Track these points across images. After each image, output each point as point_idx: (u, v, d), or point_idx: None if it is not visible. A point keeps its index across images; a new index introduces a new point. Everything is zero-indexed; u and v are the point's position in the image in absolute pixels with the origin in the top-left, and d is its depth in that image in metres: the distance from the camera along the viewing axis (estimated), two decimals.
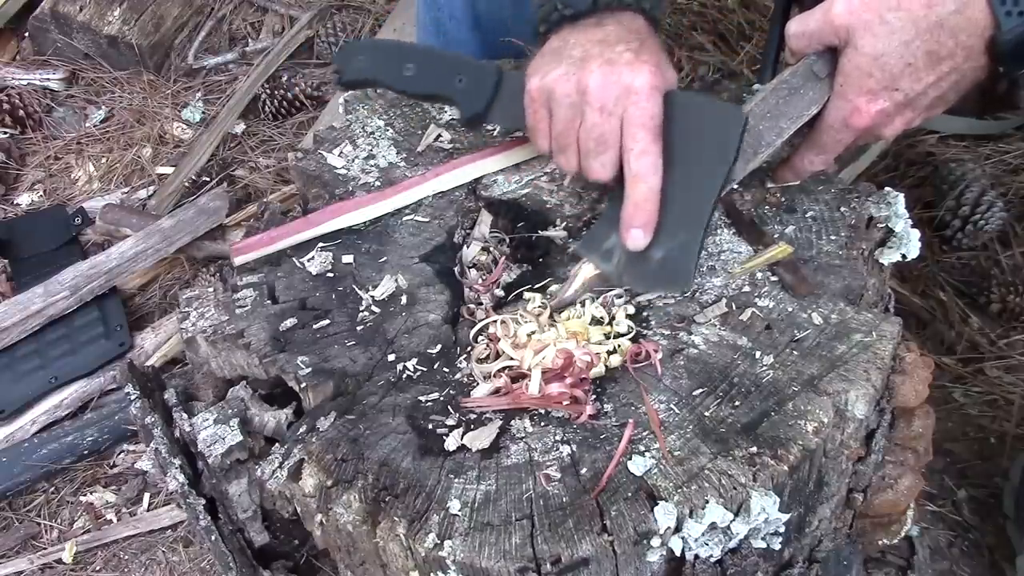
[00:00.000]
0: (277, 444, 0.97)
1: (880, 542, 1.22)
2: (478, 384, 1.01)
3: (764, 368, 0.98)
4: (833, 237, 1.11)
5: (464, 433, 0.95)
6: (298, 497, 0.95)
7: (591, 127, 1.05)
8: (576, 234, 1.18)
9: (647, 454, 0.90)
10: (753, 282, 1.07)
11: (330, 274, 1.13)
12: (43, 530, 1.81)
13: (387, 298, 1.10)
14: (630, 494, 0.88)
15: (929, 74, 0.97)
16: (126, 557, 1.76)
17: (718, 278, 1.08)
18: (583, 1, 1.07)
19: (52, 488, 1.86)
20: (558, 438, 0.94)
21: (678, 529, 0.86)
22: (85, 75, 2.66)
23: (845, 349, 0.99)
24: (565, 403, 0.97)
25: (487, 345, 1.06)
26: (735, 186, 1.12)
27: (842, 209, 1.14)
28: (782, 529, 0.93)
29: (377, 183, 1.24)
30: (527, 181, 1.23)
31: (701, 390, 0.97)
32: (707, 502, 0.86)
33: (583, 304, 1.08)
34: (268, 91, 2.52)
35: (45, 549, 1.77)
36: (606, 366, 1.02)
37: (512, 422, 0.97)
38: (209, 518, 1.07)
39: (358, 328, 1.07)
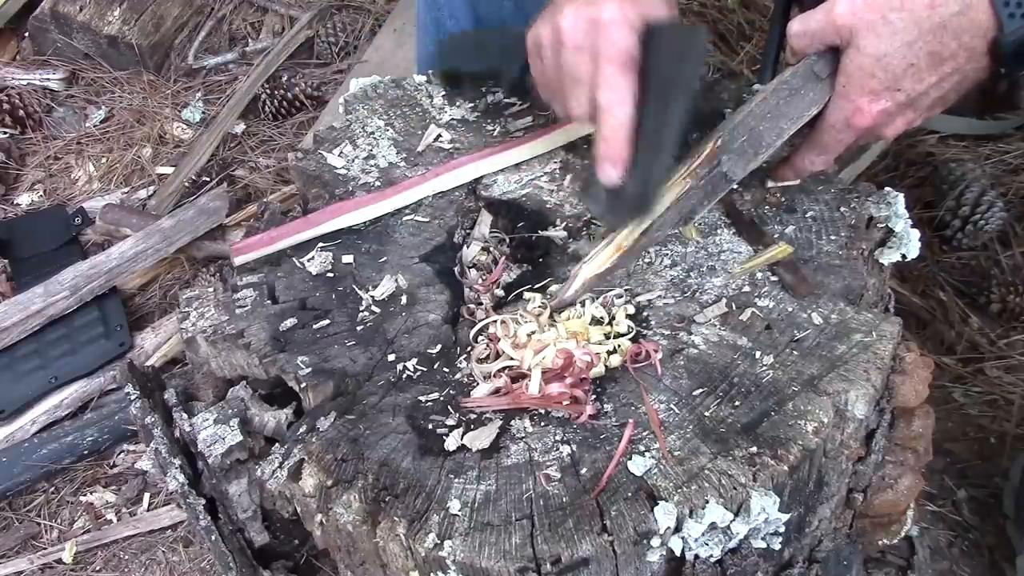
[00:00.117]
0: (277, 444, 0.97)
1: (880, 542, 1.22)
2: (478, 384, 1.01)
3: (764, 368, 0.98)
4: (833, 237, 1.11)
5: (464, 433, 0.95)
6: (298, 497, 0.95)
7: (566, 66, 1.06)
8: (576, 234, 1.18)
9: (647, 454, 0.90)
10: (753, 282, 1.07)
11: (330, 274, 1.13)
12: (43, 530, 1.81)
13: (387, 298, 1.10)
14: (630, 494, 0.88)
15: (931, 75, 0.97)
16: (126, 557, 1.76)
17: (718, 278, 1.08)
18: None
19: (52, 488, 1.86)
20: (558, 438, 0.94)
21: (678, 529, 0.86)
22: (85, 75, 2.66)
23: (845, 349, 0.99)
24: (565, 403, 0.97)
25: (487, 345, 1.06)
26: (735, 186, 1.12)
27: (842, 209, 1.14)
28: (782, 529, 0.93)
29: (377, 183, 1.24)
30: (527, 181, 1.24)
31: (701, 390, 0.97)
32: (707, 502, 0.86)
33: (583, 304, 1.08)
34: (268, 91, 2.52)
35: (45, 549, 1.77)
36: (606, 366, 1.02)
37: (512, 422, 0.97)
38: (209, 518, 1.07)
39: (358, 328, 1.07)
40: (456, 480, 0.91)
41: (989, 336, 1.91)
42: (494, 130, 1.30)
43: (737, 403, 0.95)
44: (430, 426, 0.96)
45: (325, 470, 0.92)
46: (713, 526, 0.87)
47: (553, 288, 1.12)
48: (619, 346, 1.03)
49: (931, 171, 2.17)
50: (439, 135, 1.29)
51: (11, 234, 2.24)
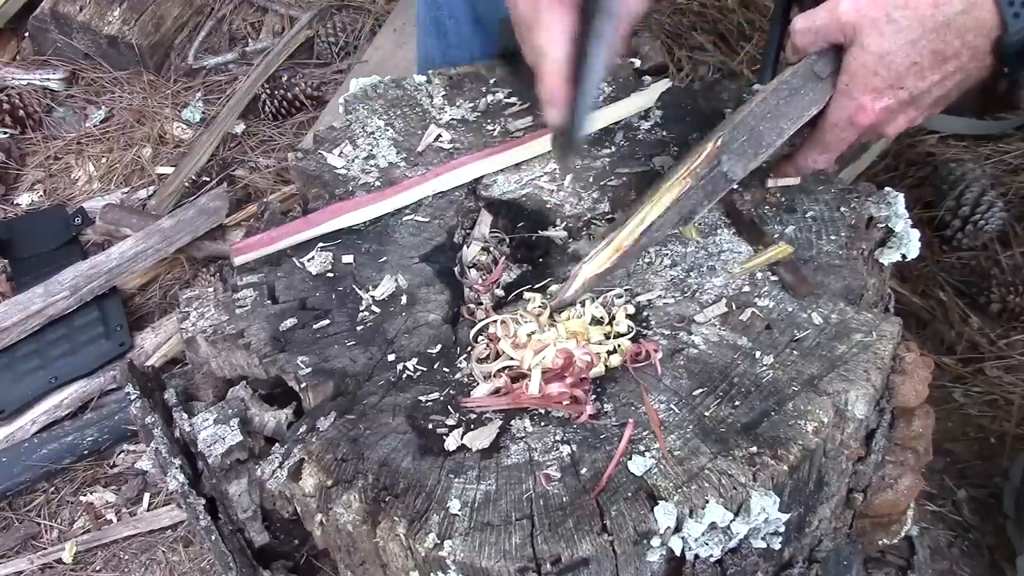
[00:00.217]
0: (277, 444, 0.97)
1: (880, 542, 1.22)
2: (478, 384, 1.01)
3: (764, 368, 0.98)
4: (833, 237, 1.11)
5: (464, 433, 0.95)
6: (298, 497, 0.95)
7: (517, 17, 1.07)
8: (576, 234, 1.18)
9: (647, 454, 0.90)
10: (753, 282, 1.07)
11: (330, 274, 1.13)
12: (43, 530, 1.81)
13: (387, 298, 1.10)
14: (630, 494, 0.88)
15: (934, 73, 0.97)
16: (126, 557, 1.76)
17: (718, 278, 1.08)
18: None
19: (52, 488, 1.86)
20: (558, 438, 0.94)
21: (678, 529, 0.86)
22: (85, 75, 2.66)
23: (845, 349, 0.99)
24: (565, 403, 0.97)
25: (487, 345, 1.06)
26: (735, 186, 1.12)
27: (842, 209, 1.14)
28: (782, 529, 0.93)
29: (377, 183, 1.24)
30: (527, 181, 1.24)
31: (701, 390, 0.97)
32: (707, 502, 0.86)
33: (583, 304, 1.08)
34: (268, 91, 2.52)
35: (45, 549, 1.77)
36: (606, 366, 1.02)
37: (512, 422, 0.97)
38: (209, 518, 1.07)
39: (358, 328, 1.07)
40: (456, 480, 0.91)
41: (989, 336, 1.91)
42: (494, 130, 1.30)
43: (737, 403, 0.95)
44: (430, 426, 0.96)
45: (325, 470, 0.92)
46: (713, 526, 0.87)
47: (553, 288, 1.12)
48: (619, 346, 1.03)
49: (931, 171, 2.17)
50: (439, 135, 1.29)
51: (11, 234, 2.24)
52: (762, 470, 0.89)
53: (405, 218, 1.20)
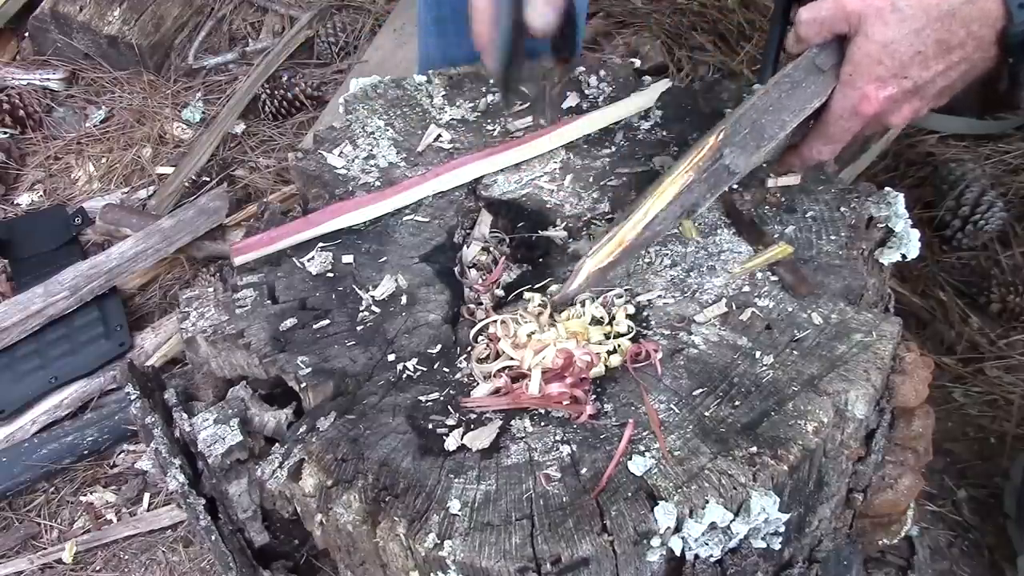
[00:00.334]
0: (277, 444, 0.97)
1: (880, 542, 1.22)
2: (478, 384, 1.01)
3: (764, 368, 0.98)
4: (833, 237, 1.11)
5: (464, 433, 0.95)
6: (298, 497, 0.95)
7: None
8: (576, 234, 1.18)
9: (647, 454, 0.90)
10: (753, 282, 1.07)
11: (330, 274, 1.13)
12: (43, 530, 1.81)
13: (387, 298, 1.10)
14: (630, 494, 0.88)
15: (938, 63, 0.97)
16: (126, 557, 1.76)
17: (718, 278, 1.08)
18: None
19: (52, 488, 1.86)
20: (558, 438, 0.94)
21: (678, 529, 0.86)
22: (85, 75, 2.66)
23: (845, 349, 0.99)
24: (565, 403, 0.97)
25: (487, 345, 1.06)
26: (736, 186, 1.12)
27: (842, 209, 1.14)
28: (782, 529, 0.93)
29: (377, 183, 1.24)
30: (527, 181, 1.24)
31: (701, 390, 0.97)
32: (707, 502, 0.86)
33: (583, 304, 1.08)
34: (268, 91, 2.52)
35: (45, 549, 1.77)
36: (606, 366, 1.02)
37: (512, 422, 0.97)
38: (209, 518, 1.07)
39: (358, 328, 1.07)
40: (456, 480, 0.91)
41: (989, 336, 1.91)
42: (494, 130, 1.30)
43: (737, 403, 0.95)
44: (430, 426, 0.96)
45: (325, 470, 0.92)
46: (713, 526, 0.87)
47: (553, 288, 1.12)
48: (619, 346, 1.03)
49: (931, 171, 2.17)
50: (439, 135, 1.29)
51: (11, 234, 2.23)
52: (762, 470, 0.89)
53: (405, 218, 1.20)
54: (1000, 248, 2.04)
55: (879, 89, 0.99)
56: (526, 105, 1.33)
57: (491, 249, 1.19)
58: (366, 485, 0.90)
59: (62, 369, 1.94)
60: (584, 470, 0.90)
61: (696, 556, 0.89)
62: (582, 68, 1.36)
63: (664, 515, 0.85)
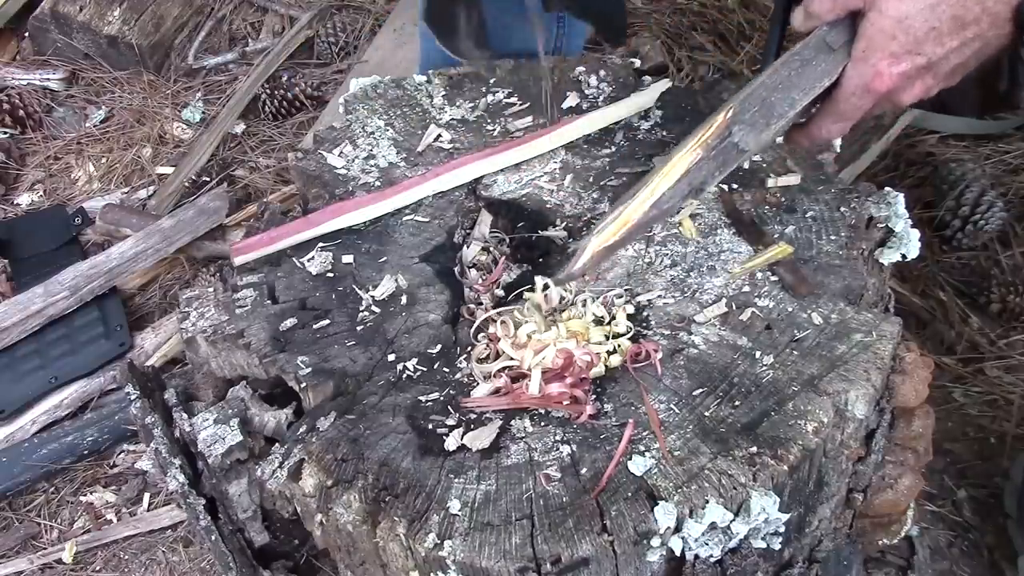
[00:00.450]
0: (277, 444, 0.97)
1: (880, 542, 1.22)
2: (478, 384, 1.01)
3: (764, 368, 0.98)
4: (833, 237, 1.11)
5: (464, 433, 0.95)
6: (298, 497, 0.95)
7: None
8: (576, 234, 1.18)
9: (647, 454, 0.90)
10: (753, 282, 1.07)
11: (330, 274, 1.13)
12: (43, 530, 1.81)
13: (387, 298, 1.10)
14: (630, 494, 0.88)
15: (953, 39, 0.96)
16: (126, 557, 1.76)
17: (718, 278, 1.08)
18: None
19: (52, 488, 1.86)
20: (558, 438, 0.94)
21: (678, 529, 0.86)
22: (85, 75, 2.66)
23: (845, 349, 0.99)
24: (565, 403, 0.97)
25: (487, 345, 1.06)
26: (735, 185, 1.12)
27: (842, 209, 1.14)
28: (782, 529, 0.93)
29: (377, 183, 1.24)
30: (527, 181, 1.23)
31: (701, 390, 0.97)
32: (707, 502, 0.86)
33: (583, 304, 1.08)
34: (268, 91, 2.52)
35: (45, 549, 1.77)
36: (606, 366, 1.02)
37: (512, 422, 0.97)
38: (209, 518, 1.07)
39: (358, 328, 1.07)
40: (456, 480, 0.91)
41: (989, 336, 1.91)
42: (494, 130, 1.30)
43: (737, 403, 0.95)
44: (430, 426, 0.96)
45: (325, 470, 0.92)
46: (713, 526, 0.87)
47: (553, 290, 1.12)
48: (619, 346, 1.03)
49: (931, 171, 2.17)
50: (439, 135, 1.29)
51: (11, 234, 2.23)
52: (762, 470, 0.89)
53: (405, 218, 1.20)
54: (1000, 248, 2.04)
55: (892, 65, 0.98)
56: (526, 105, 1.33)
57: (491, 249, 1.19)
58: (366, 485, 0.90)
59: (62, 369, 1.94)
60: (584, 470, 0.90)
61: (696, 556, 0.89)
62: (582, 68, 1.36)
63: (664, 515, 0.85)
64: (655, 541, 0.85)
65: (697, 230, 1.13)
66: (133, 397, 1.12)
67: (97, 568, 1.75)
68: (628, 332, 1.05)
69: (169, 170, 2.41)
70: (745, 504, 0.88)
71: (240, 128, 2.50)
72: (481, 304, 1.12)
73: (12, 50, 2.76)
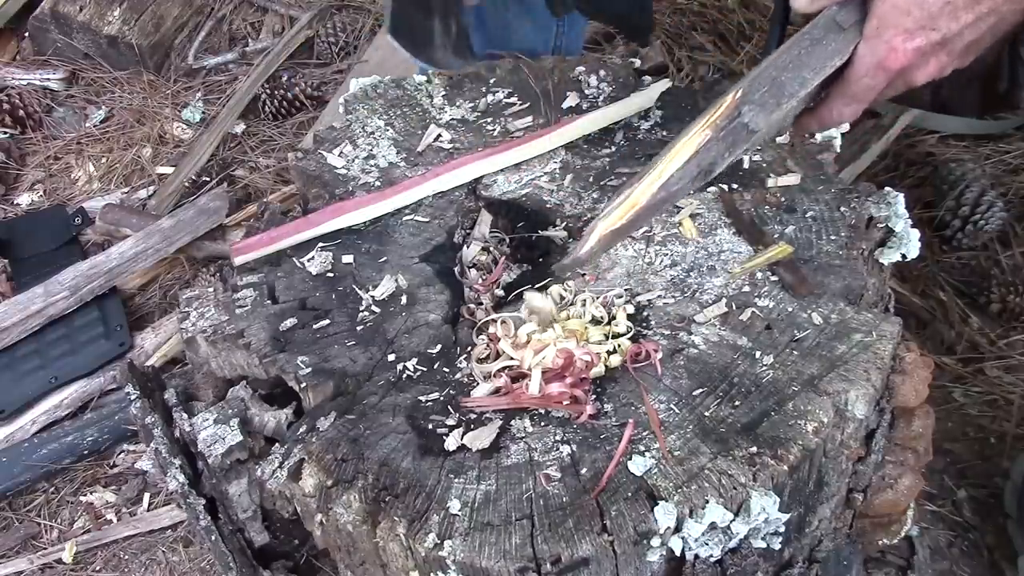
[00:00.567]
0: (277, 444, 0.97)
1: (880, 542, 1.22)
2: (478, 384, 1.01)
3: (764, 368, 0.98)
4: (833, 237, 1.11)
5: (464, 433, 0.95)
6: (298, 497, 0.95)
7: None
8: (576, 234, 1.18)
9: (647, 454, 0.90)
10: (753, 282, 1.07)
11: (330, 274, 1.13)
12: (43, 530, 1.81)
13: (387, 298, 1.10)
14: (630, 494, 0.88)
15: (968, 13, 0.94)
16: (126, 557, 1.76)
17: (718, 278, 1.08)
18: None
19: (52, 488, 1.86)
20: (558, 438, 0.94)
21: (678, 529, 0.86)
22: (85, 75, 2.66)
23: (845, 349, 0.99)
24: (565, 403, 0.97)
25: (487, 345, 1.06)
26: (735, 185, 1.12)
27: (842, 209, 1.14)
28: (782, 529, 0.93)
29: (377, 183, 1.24)
30: (527, 181, 1.23)
31: (701, 390, 0.97)
32: (707, 502, 0.86)
33: (583, 304, 1.08)
34: (268, 91, 2.52)
35: (45, 549, 1.77)
36: (606, 366, 1.02)
37: (512, 422, 0.97)
38: (209, 518, 1.07)
39: (358, 328, 1.07)
40: (456, 480, 0.91)
41: (989, 336, 1.91)
42: (494, 130, 1.30)
43: (737, 403, 0.95)
44: (430, 426, 0.96)
45: (325, 470, 0.92)
46: (713, 526, 0.87)
47: (553, 294, 1.12)
48: (619, 346, 1.03)
49: (931, 171, 2.17)
50: (439, 135, 1.29)
51: (11, 234, 2.24)
52: (762, 470, 0.89)
53: (405, 218, 1.20)
54: (1000, 248, 2.04)
55: (907, 41, 0.95)
56: (526, 105, 1.33)
57: (491, 249, 1.19)
58: (366, 485, 0.90)
59: (62, 369, 1.94)
60: (584, 470, 0.90)
61: (696, 556, 0.89)
62: (582, 68, 1.36)
63: (664, 515, 0.85)
64: (655, 541, 0.85)
65: (697, 230, 1.13)
66: (133, 397, 1.12)
67: (97, 568, 1.75)
68: (628, 332, 1.05)
69: (169, 170, 2.41)
70: (745, 504, 0.88)
71: (240, 128, 2.50)
72: (481, 304, 1.12)
73: (12, 50, 2.76)
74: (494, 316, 1.08)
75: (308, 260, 1.14)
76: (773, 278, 1.07)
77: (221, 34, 2.77)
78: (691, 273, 1.09)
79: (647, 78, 1.35)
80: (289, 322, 1.06)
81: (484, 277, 1.16)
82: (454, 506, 0.88)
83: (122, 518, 1.81)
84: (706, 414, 0.94)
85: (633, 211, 1.00)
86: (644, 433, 0.93)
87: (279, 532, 1.12)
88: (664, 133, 1.27)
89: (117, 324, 2.01)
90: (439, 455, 0.93)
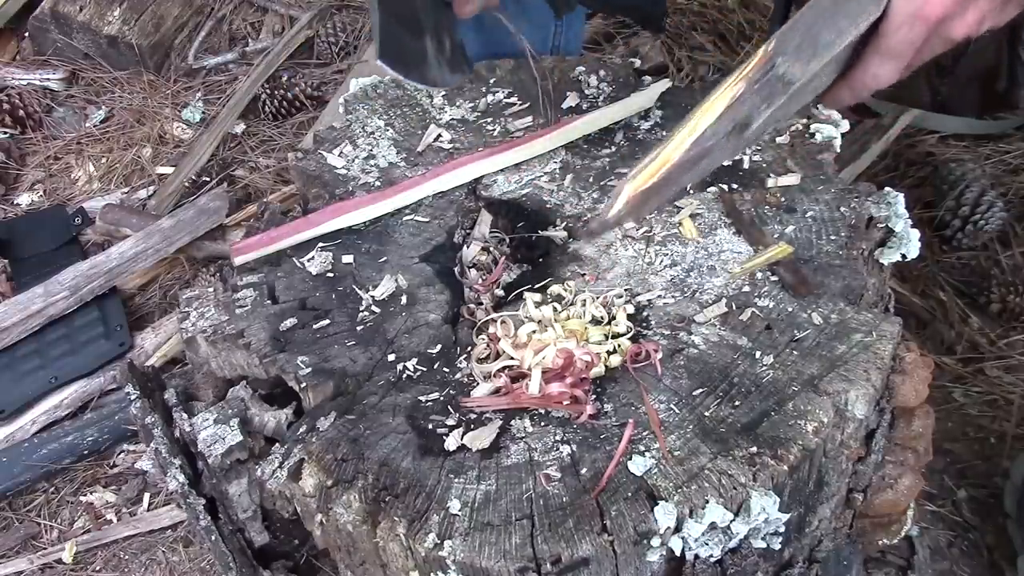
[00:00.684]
0: (277, 444, 0.97)
1: (880, 542, 1.22)
2: (478, 384, 1.01)
3: (764, 368, 0.98)
4: (833, 237, 1.11)
5: (464, 433, 0.95)
6: (298, 497, 0.95)
7: None
8: (576, 234, 1.18)
9: (647, 454, 0.90)
10: (753, 282, 1.07)
11: (330, 274, 1.13)
12: (43, 530, 1.81)
13: (387, 298, 1.10)
14: (630, 494, 0.88)
15: None
16: (126, 557, 1.76)
17: (718, 278, 1.08)
18: None
19: (52, 488, 1.86)
20: (558, 438, 0.94)
21: (678, 529, 0.86)
22: (85, 75, 2.66)
23: (845, 349, 0.99)
24: (565, 403, 0.97)
25: (487, 345, 1.06)
26: (735, 185, 1.12)
27: (842, 209, 1.14)
28: (782, 529, 0.93)
29: (377, 183, 1.24)
30: (527, 181, 1.24)
31: (701, 390, 0.97)
32: (707, 502, 0.86)
33: (583, 304, 1.08)
34: (268, 91, 2.52)
35: (45, 549, 1.77)
36: (606, 366, 1.02)
37: (512, 422, 0.97)
38: (209, 518, 1.07)
39: (358, 328, 1.07)
40: (456, 480, 0.91)
41: (989, 336, 1.91)
42: (494, 130, 1.30)
43: (737, 403, 0.95)
44: (430, 426, 0.96)
45: (325, 470, 0.92)
46: (713, 526, 0.87)
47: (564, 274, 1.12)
48: (619, 346, 1.03)
49: (931, 171, 2.17)
50: (439, 135, 1.29)
51: (11, 234, 2.24)
52: (762, 470, 0.89)
53: (405, 218, 1.20)
54: (1000, 248, 2.04)
55: None
56: (526, 105, 1.33)
57: (491, 249, 1.19)
58: (366, 485, 0.90)
59: (62, 369, 1.94)
60: (584, 470, 0.90)
61: (696, 556, 0.89)
62: (582, 68, 1.36)
63: (664, 515, 0.85)
64: (655, 541, 0.85)
65: (697, 230, 1.13)
66: (133, 397, 1.12)
67: (97, 568, 1.75)
68: (628, 332, 1.05)
69: (169, 170, 2.41)
70: (745, 504, 0.88)
71: (240, 128, 2.50)
72: (481, 304, 1.12)
73: (12, 50, 2.76)
74: (494, 316, 1.08)
75: (308, 260, 1.14)
76: (773, 278, 1.07)
77: (221, 34, 2.77)
78: (691, 273, 1.09)
79: (647, 78, 1.35)
80: (289, 322, 1.06)
81: (484, 277, 1.16)
82: (454, 506, 0.88)
83: (122, 518, 1.81)
84: (706, 414, 0.94)
85: (665, 169, 0.94)
86: (644, 433, 0.93)
87: (279, 532, 1.12)
88: (664, 133, 1.27)
89: (117, 324, 2.01)
90: (439, 455, 0.93)
